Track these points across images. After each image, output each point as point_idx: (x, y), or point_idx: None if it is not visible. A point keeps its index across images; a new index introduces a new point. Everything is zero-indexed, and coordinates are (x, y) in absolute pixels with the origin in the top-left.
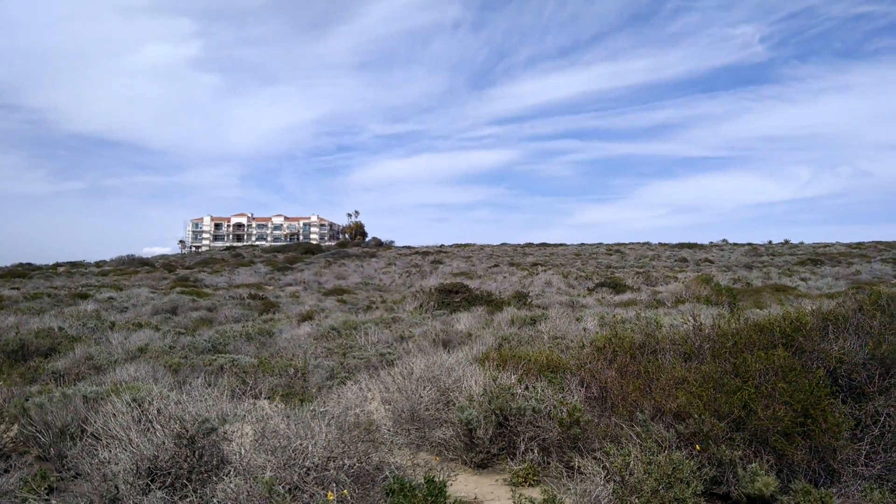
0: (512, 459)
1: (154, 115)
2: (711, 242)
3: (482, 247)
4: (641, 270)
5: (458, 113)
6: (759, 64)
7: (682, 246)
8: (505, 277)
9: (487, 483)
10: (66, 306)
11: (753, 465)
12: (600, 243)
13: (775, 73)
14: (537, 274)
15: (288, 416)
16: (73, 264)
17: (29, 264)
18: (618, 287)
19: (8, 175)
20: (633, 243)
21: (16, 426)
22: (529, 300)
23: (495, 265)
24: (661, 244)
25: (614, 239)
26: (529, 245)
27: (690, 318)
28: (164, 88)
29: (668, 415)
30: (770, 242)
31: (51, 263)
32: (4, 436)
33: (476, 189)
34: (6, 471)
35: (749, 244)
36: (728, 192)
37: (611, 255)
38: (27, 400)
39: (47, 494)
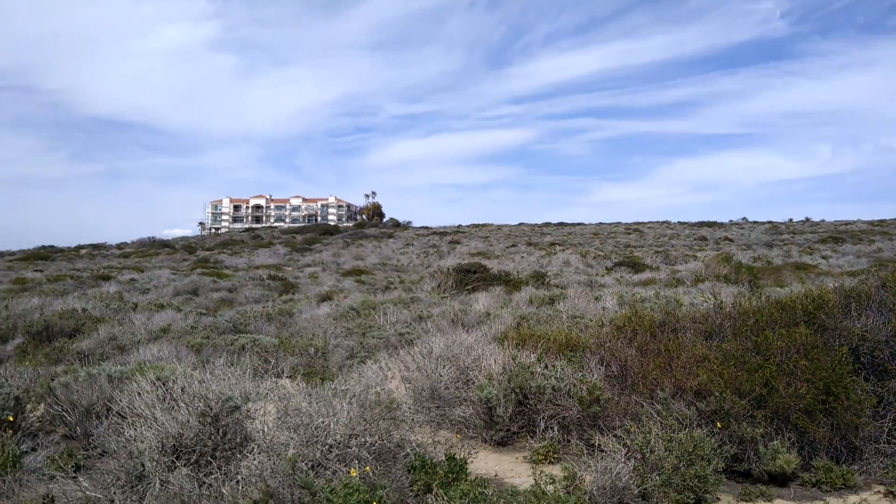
0: (532, 437)
1: (170, 96)
2: (731, 221)
3: (500, 227)
4: (660, 249)
5: (476, 92)
6: (780, 39)
7: (701, 224)
8: (523, 257)
9: (508, 460)
10: (89, 288)
11: (775, 442)
12: (619, 222)
13: (796, 49)
14: (555, 254)
15: (310, 395)
16: (94, 246)
17: (51, 247)
18: (636, 266)
19: (28, 158)
20: (651, 222)
21: (42, 405)
22: (548, 280)
23: (513, 245)
24: (680, 223)
25: (633, 218)
26: (547, 225)
27: (711, 296)
28: (181, 70)
29: (688, 393)
30: (791, 220)
31: (73, 246)
32: (31, 415)
33: (493, 169)
34: (33, 449)
35: (769, 222)
36: (748, 170)
37: (629, 234)
38: (53, 380)
39: (74, 472)
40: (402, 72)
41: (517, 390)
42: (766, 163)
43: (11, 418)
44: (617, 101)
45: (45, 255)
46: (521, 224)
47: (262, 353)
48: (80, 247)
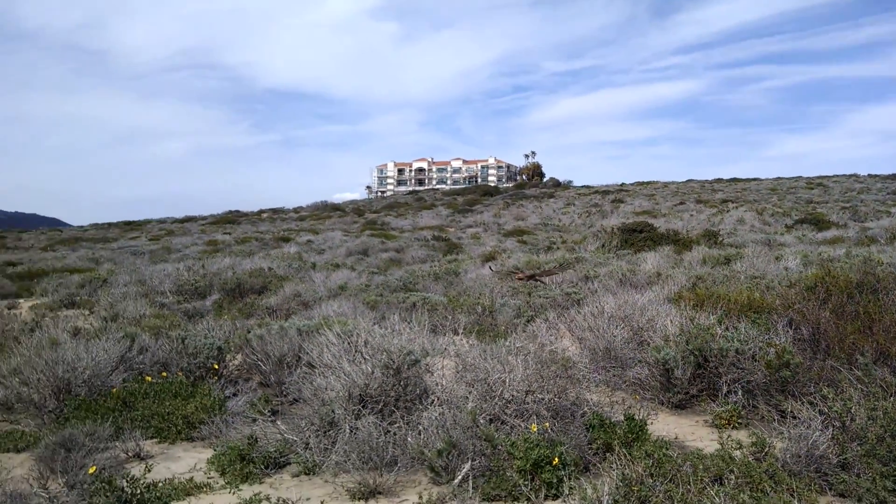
0: (713, 401)
1: (338, 66)
2: None
3: (666, 184)
4: (848, 205)
5: (639, 44)
6: None
7: None
8: (692, 215)
9: (687, 424)
10: (272, 249)
11: None
12: (799, 177)
13: None
14: (728, 211)
15: (485, 351)
16: (274, 210)
17: (237, 211)
18: (820, 224)
19: (214, 129)
20: (837, 176)
21: (240, 356)
22: (720, 238)
23: (681, 203)
24: (870, 176)
25: (815, 172)
26: (719, 181)
27: None
28: (347, 39)
29: (893, 359)
30: None
31: (255, 210)
32: (231, 364)
33: (658, 124)
34: (234, 394)
35: None
36: None
37: (812, 189)
38: (249, 332)
39: (272, 416)
40: (562, 27)
41: (696, 352)
42: None
43: (216, 366)
44: (798, 45)
45: (231, 218)
46: (689, 181)
47: (434, 310)
48: (261, 211)
